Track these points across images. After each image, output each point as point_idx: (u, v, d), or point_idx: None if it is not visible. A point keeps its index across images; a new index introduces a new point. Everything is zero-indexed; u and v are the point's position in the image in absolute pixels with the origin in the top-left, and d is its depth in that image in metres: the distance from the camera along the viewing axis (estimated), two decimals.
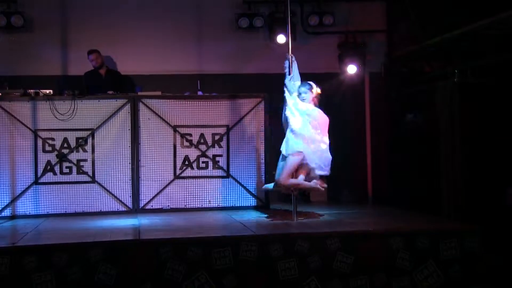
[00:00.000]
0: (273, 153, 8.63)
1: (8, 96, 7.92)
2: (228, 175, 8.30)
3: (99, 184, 8.03)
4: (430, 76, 8.39)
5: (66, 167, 8.00)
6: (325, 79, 9.35)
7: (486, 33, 7.12)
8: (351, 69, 9.36)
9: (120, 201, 8.07)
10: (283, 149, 6.95)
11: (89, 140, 8.04)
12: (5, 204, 7.83)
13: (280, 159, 7.03)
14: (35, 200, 7.91)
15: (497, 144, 7.21)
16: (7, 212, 7.83)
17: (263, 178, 8.32)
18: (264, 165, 8.37)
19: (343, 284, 5.89)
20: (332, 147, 9.27)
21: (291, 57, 7.03)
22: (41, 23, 9.18)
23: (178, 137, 8.23)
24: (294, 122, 6.86)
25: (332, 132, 9.34)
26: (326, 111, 9.39)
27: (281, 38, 9.13)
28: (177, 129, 8.21)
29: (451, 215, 7.35)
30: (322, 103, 9.31)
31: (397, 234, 6.08)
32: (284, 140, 7.00)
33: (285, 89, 6.97)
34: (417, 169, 8.50)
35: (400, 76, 9.31)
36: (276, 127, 8.42)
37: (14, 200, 7.85)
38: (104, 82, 8.62)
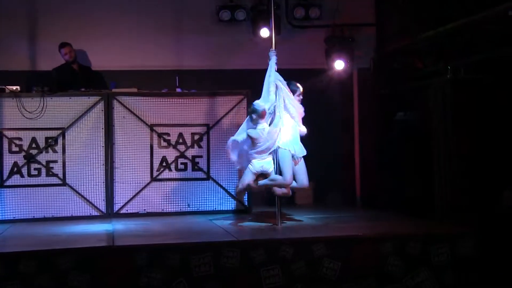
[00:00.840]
0: None
1: None
2: (208, 177, 8.29)
3: (70, 187, 7.98)
4: (422, 73, 8.42)
5: (35, 169, 7.93)
6: (311, 75, 9.41)
7: (482, 27, 7.16)
8: (339, 64, 9.37)
9: (93, 205, 8.02)
10: (299, 150, 7.04)
11: (60, 140, 7.98)
12: None
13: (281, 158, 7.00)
14: (0, 204, 7.83)
15: (492, 144, 7.25)
16: None
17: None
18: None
19: None
20: (319, 147, 9.34)
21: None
22: (7, 14, 9.08)
23: (155, 137, 8.21)
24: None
25: (318, 131, 9.41)
26: (312, 109, 9.45)
27: (264, 32, 9.13)
28: (154, 128, 8.18)
29: (443, 218, 7.38)
30: (308, 100, 9.36)
31: (387, 238, 6.10)
32: (295, 140, 7.09)
33: (283, 86, 6.96)
34: (408, 170, 8.53)
35: (391, 73, 9.33)
36: None
37: None
38: (78, 78, 8.53)
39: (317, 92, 9.47)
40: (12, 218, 7.79)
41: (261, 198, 9.14)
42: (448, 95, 7.52)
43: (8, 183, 7.85)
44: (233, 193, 8.31)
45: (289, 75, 8.39)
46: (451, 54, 7.77)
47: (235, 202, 8.34)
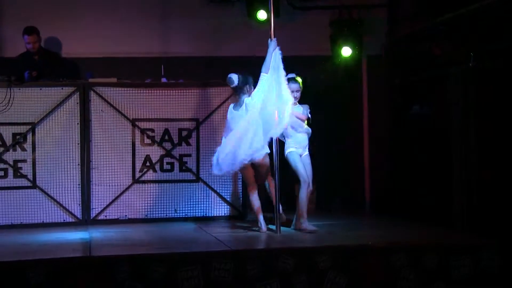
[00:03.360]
0: None
1: None
2: (198, 179, 8.32)
3: (41, 190, 8.00)
4: (440, 61, 8.45)
5: (0, 170, 7.95)
6: (314, 63, 9.46)
7: (510, 8, 7.15)
8: (346, 51, 9.39)
9: (67, 210, 8.05)
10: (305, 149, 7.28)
11: (29, 137, 8.00)
12: None
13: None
14: None
15: None
16: None
17: (240, 182, 8.34)
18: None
19: None
20: (323, 145, 9.37)
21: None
22: None
23: (137, 133, 8.23)
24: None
25: (323, 127, 9.43)
26: (315, 103, 9.47)
27: (261, 14, 9.16)
28: (137, 123, 8.20)
29: (464, 227, 7.42)
30: (311, 92, 9.39)
31: (399, 249, 6.12)
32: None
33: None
34: (424, 171, 8.56)
35: (404, 60, 9.36)
36: None
37: None
38: (37, 67, 8.45)
39: (321, 83, 9.51)
40: None
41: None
42: (470, 86, 7.53)
43: None
44: (225, 196, 8.34)
45: (289, 63, 8.42)
46: (474, 39, 7.78)
47: (228, 207, 8.37)
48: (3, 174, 7.95)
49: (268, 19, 7.37)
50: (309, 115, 7.43)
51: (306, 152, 7.43)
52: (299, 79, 7.37)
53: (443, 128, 8.02)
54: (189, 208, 8.27)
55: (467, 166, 7.59)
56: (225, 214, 8.37)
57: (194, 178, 8.32)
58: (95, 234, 7.24)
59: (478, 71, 7.51)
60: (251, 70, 8.60)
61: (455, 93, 7.80)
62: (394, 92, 9.47)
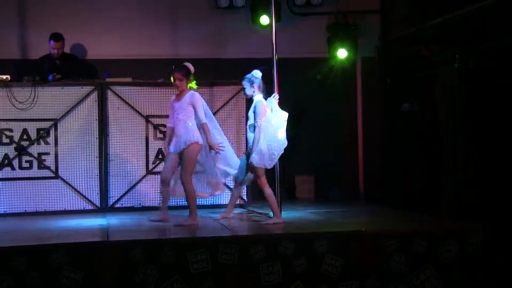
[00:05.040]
0: None
1: None
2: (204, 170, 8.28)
3: (63, 180, 7.99)
4: (429, 62, 8.40)
5: (26, 162, 7.94)
6: (312, 64, 9.43)
7: (492, 13, 7.12)
8: (342, 53, 9.37)
9: (87, 198, 8.04)
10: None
11: (52, 132, 7.99)
12: None
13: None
14: None
15: (504, 137, 7.23)
16: None
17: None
18: (245, 159, 8.34)
19: None
20: (320, 139, 9.35)
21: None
22: None
23: (150, 128, 8.22)
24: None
25: (320, 123, 9.42)
26: (312, 100, 9.46)
27: (264, 19, 9.13)
28: (150, 119, 8.18)
29: (451, 214, 7.38)
30: (309, 91, 9.38)
31: (391, 235, 6.12)
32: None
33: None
34: (414, 163, 8.53)
35: (396, 62, 9.32)
36: None
37: None
38: (58, 70, 8.42)
39: (319, 83, 9.49)
40: (3, 212, 7.81)
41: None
42: (456, 85, 7.49)
43: None
44: (231, 185, 8.31)
45: (289, 64, 8.43)
46: (460, 42, 7.74)
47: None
48: (28, 166, 7.94)
49: (270, 24, 7.36)
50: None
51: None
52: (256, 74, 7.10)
53: (432, 124, 7.98)
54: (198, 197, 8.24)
55: (454, 158, 7.56)
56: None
57: (202, 169, 8.27)
58: (112, 220, 7.25)
59: (463, 71, 7.48)
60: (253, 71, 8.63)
61: (442, 92, 7.75)
62: (386, 91, 9.44)
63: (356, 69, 9.80)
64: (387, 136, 9.36)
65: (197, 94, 6.90)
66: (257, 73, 7.08)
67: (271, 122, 6.92)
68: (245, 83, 7.09)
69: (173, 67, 7.94)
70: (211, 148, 6.85)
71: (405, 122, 8.90)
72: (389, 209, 8.14)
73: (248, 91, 7.09)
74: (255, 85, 7.06)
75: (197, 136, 6.76)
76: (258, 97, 7.04)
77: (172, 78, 7.00)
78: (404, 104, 8.96)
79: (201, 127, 6.80)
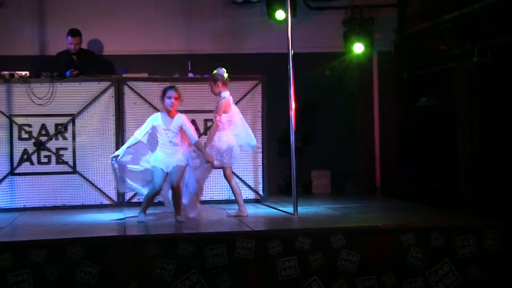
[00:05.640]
0: (270, 141, 8.64)
1: None
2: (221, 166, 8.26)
3: (81, 175, 8.01)
4: (446, 56, 8.35)
5: (45, 156, 7.98)
6: (328, 59, 9.39)
7: (510, 7, 7.04)
8: (358, 48, 9.31)
9: (104, 193, 8.05)
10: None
11: (70, 127, 8.01)
12: None
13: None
14: (10, 192, 7.91)
15: None
16: None
17: (260, 168, 8.30)
18: (261, 154, 8.34)
19: (349, 285, 5.89)
20: (336, 134, 9.31)
21: None
22: None
23: None
24: None
25: (336, 117, 9.38)
26: (329, 95, 9.42)
27: (280, 14, 9.08)
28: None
29: (469, 209, 7.32)
30: (325, 86, 9.34)
31: (408, 230, 6.07)
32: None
33: None
34: (431, 158, 8.48)
35: (412, 56, 9.26)
36: (273, 112, 8.42)
37: None
38: (75, 66, 8.44)
39: (335, 78, 9.45)
40: (22, 207, 7.86)
41: (277, 187, 9.15)
42: (474, 79, 7.43)
43: (18, 170, 7.91)
44: (247, 181, 8.31)
45: (305, 59, 8.39)
46: (478, 36, 7.68)
47: (249, 191, 8.33)
48: (47, 161, 7.98)
49: (286, 19, 7.30)
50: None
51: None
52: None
53: (449, 118, 7.93)
54: (214, 192, 8.24)
55: (471, 153, 7.50)
56: (246, 197, 8.31)
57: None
58: (129, 215, 7.24)
59: (481, 65, 7.40)
60: (269, 66, 8.61)
61: (460, 85, 7.70)
62: (403, 85, 9.38)
63: (372, 63, 9.74)
64: (403, 130, 9.30)
65: (184, 116, 6.87)
66: (219, 71, 7.15)
67: (234, 120, 6.99)
68: (211, 83, 7.17)
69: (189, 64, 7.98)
70: (207, 161, 6.78)
71: (422, 116, 8.85)
72: (406, 204, 8.08)
73: (214, 89, 7.18)
74: (219, 83, 7.12)
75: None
76: (224, 93, 7.12)
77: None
78: (422, 98, 8.91)
79: (196, 145, 6.77)
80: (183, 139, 6.81)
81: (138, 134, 6.80)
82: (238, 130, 7.08)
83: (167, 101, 6.76)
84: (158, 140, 6.81)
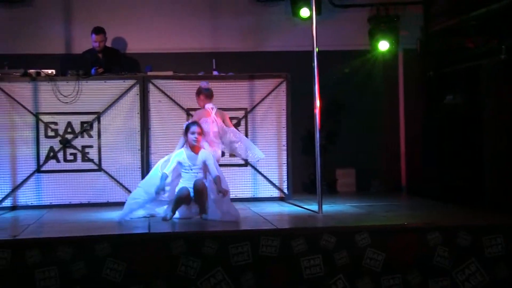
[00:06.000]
0: (295, 139, 8.62)
1: (8, 76, 7.98)
2: (246, 163, 8.29)
3: (106, 172, 8.07)
4: (473, 53, 8.25)
5: (70, 154, 8.05)
6: (353, 56, 9.36)
7: None
8: (383, 45, 9.27)
9: (129, 191, 8.06)
10: None
11: (95, 125, 8.07)
12: (6, 193, 7.92)
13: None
14: (37, 189, 8.00)
15: None
16: (7, 203, 7.93)
17: (285, 166, 8.30)
18: (285, 151, 8.34)
19: (374, 284, 5.85)
20: (361, 132, 9.28)
21: None
22: None
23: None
24: None
25: (361, 116, 9.34)
26: (354, 93, 9.38)
27: (305, 12, 9.06)
28: (191, 112, 8.19)
29: (494, 207, 7.24)
30: (350, 84, 9.31)
31: (435, 228, 6.00)
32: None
33: None
34: (456, 156, 8.39)
35: (438, 53, 9.18)
36: (298, 110, 8.40)
37: (15, 189, 7.94)
38: (101, 64, 8.51)
39: (360, 76, 9.41)
40: (48, 204, 7.94)
41: (301, 185, 9.14)
42: (501, 76, 7.34)
43: (44, 168, 7.99)
44: (272, 179, 8.31)
45: (330, 57, 8.37)
46: (505, 33, 7.58)
47: (274, 189, 8.32)
48: (72, 158, 8.05)
49: (310, 16, 7.28)
50: None
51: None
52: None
53: (475, 116, 7.85)
54: (238, 190, 8.24)
55: (498, 152, 7.42)
56: (271, 195, 8.33)
57: (243, 162, 8.28)
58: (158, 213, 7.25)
59: (509, 62, 7.32)
60: (294, 64, 8.59)
61: (487, 83, 7.62)
62: (429, 83, 9.30)
63: (397, 61, 9.69)
64: (429, 128, 9.23)
65: (208, 152, 6.89)
66: (202, 84, 7.35)
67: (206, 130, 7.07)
68: (195, 95, 7.38)
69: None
70: (219, 192, 6.73)
71: (448, 114, 8.77)
72: (432, 202, 8.02)
73: (197, 102, 7.37)
74: (201, 95, 7.30)
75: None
76: (207, 105, 7.25)
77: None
78: (448, 96, 8.83)
79: (214, 180, 6.74)
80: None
81: (167, 170, 6.78)
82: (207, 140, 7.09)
83: (191, 136, 6.80)
84: (182, 174, 6.85)
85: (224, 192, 6.62)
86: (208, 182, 6.79)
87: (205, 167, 6.82)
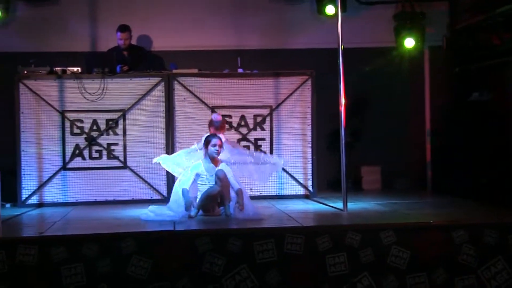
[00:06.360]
0: (320, 136, 8.62)
1: (34, 74, 8.07)
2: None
3: (131, 170, 8.14)
4: (499, 50, 8.18)
5: (96, 152, 8.13)
6: (378, 54, 9.31)
7: None
8: (409, 42, 9.23)
9: (154, 188, 8.16)
10: None
11: (120, 122, 8.15)
12: (32, 191, 8.02)
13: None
14: (63, 187, 8.08)
15: None
16: (34, 200, 8.02)
17: (310, 164, 8.30)
18: (310, 149, 8.34)
19: (400, 281, 5.84)
20: (387, 130, 9.24)
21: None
22: None
23: None
24: None
25: (387, 113, 9.31)
26: (380, 90, 9.35)
27: (330, 9, 9.06)
28: (216, 110, 8.24)
29: None
30: (376, 81, 9.27)
31: (460, 226, 5.98)
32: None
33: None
34: (483, 153, 8.33)
35: (464, 50, 9.10)
36: (323, 108, 8.40)
37: (41, 186, 8.03)
38: (126, 62, 8.60)
39: (386, 73, 9.38)
40: (74, 201, 8.03)
41: (326, 183, 9.14)
42: None
43: (70, 165, 8.08)
44: (297, 177, 8.32)
45: (355, 54, 8.35)
46: None
47: (299, 187, 8.33)
48: (98, 156, 8.13)
49: (336, 14, 7.28)
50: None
51: None
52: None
53: (502, 113, 7.78)
54: (263, 187, 8.27)
55: None
56: (296, 193, 8.33)
57: None
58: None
59: None
60: (319, 61, 8.59)
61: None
62: (455, 80, 9.24)
63: (423, 58, 9.64)
64: (455, 125, 9.17)
65: (226, 166, 6.93)
66: (214, 116, 7.41)
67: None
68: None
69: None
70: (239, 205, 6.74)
71: (474, 111, 8.70)
72: (458, 200, 7.97)
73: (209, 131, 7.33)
74: (211, 128, 7.30)
75: None
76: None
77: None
78: (474, 93, 8.76)
79: (236, 192, 6.79)
80: None
81: (187, 186, 6.82)
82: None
83: (212, 149, 6.85)
84: (199, 187, 6.91)
85: (241, 207, 6.64)
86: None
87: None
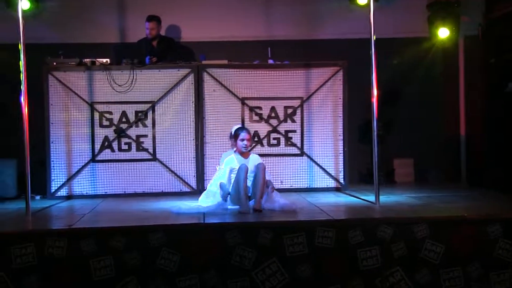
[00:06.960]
0: (351, 128, 8.57)
1: (63, 65, 8.14)
2: (302, 153, 8.29)
3: (161, 162, 8.17)
4: None
5: (125, 144, 8.18)
6: (412, 44, 9.22)
7: None
8: (443, 32, 9.12)
9: (184, 181, 8.19)
10: None
11: (150, 114, 8.18)
12: (61, 183, 8.10)
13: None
14: (92, 179, 8.16)
15: None
16: (63, 192, 8.11)
17: (341, 156, 8.26)
18: (342, 141, 8.30)
19: (433, 276, 5.79)
20: (421, 122, 9.15)
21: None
22: None
23: (246, 110, 8.27)
24: None
25: (420, 104, 9.22)
26: (413, 81, 9.25)
27: None
28: (246, 101, 8.23)
29: None
30: (408, 72, 9.17)
31: (496, 220, 5.90)
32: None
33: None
34: None
35: (501, 40, 8.97)
36: (355, 99, 8.35)
37: (70, 178, 8.11)
38: (155, 53, 8.61)
39: (419, 64, 9.28)
40: (103, 193, 8.09)
41: (358, 176, 9.09)
42: None
43: (99, 157, 8.14)
44: (328, 169, 8.28)
45: (387, 44, 8.26)
46: None
47: (330, 179, 8.30)
48: (127, 148, 8.18)
49: (368, 3, 7.20)
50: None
51: None
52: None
53: None
54: (294, 180, 8.26)
55: None
56: (327, 186, 8.30)
57: (298, 152, 8.30)
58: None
59: None
60: (350, 52, 8.52)
61: None
62: (490, 71, 9.11)
63: (458, 48, 9.52)
64: (490, 117, 9.05)
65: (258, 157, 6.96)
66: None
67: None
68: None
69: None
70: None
71: (510, 102, 8.58)
72: (493, 193, 7.87)
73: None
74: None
75: None
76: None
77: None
78: (510, 84, 8.64)
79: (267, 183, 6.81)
80: None
81: (224, 180, 6.82)
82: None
83: (240, 143, 6.84)
84: (232, 180, 6.87)
85: (258, 210, 6.59)
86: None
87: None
